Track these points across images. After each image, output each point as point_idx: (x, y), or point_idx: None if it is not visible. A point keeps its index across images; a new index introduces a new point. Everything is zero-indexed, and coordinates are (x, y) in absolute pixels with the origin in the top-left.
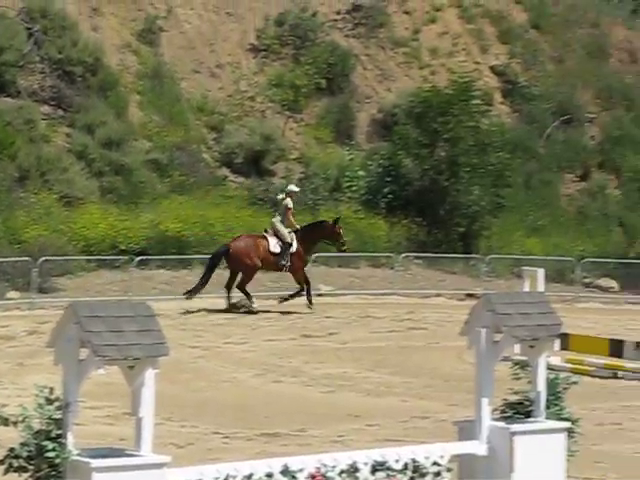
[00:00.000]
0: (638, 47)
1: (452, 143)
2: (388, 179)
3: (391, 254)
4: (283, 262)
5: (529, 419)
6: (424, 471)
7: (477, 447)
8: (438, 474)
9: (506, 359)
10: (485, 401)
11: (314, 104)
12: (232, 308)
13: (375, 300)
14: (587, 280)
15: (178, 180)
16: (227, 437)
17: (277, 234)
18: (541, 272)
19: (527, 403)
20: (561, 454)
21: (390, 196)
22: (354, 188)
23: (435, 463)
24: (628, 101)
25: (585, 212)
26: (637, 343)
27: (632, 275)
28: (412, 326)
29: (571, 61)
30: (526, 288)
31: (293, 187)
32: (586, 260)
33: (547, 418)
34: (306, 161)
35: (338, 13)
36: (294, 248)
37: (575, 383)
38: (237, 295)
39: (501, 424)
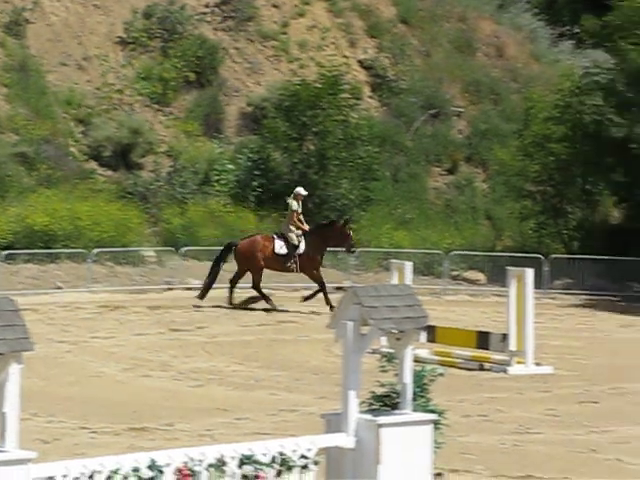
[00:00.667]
0: (505, 42)
1: (321, 137)
2: (257, 172)
3: None
4: (288, 264)
5: (396, 411)
6: (291, 464)
7: (344, 440)
8: (305, 467)
9: (375, 351)
10: (352, 394)
11: (183, 97)
12: (233, 303)
13: (245, 293)
14: (455, 273)
15: (45, 174)
16: (94, 432)
17: (285, 236)
18: (409, 265)
19: (394, 395)
20: (428, 446)
21: (259, 189)
22: (223, 182)
23: (303, 456)
24: (495, 95)
25: (453, 205)
26: (503, 335)
27: (499, 268)
28: (282, 319)
29: (439, 55)
30: (394, 281)
31: (301, 190)
32: (454, 253)
33: (414, 410)
34: (175, 154)
35: (207, 6)
36: (301, 250)
37: (441, 375)
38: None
39: (368, 416)
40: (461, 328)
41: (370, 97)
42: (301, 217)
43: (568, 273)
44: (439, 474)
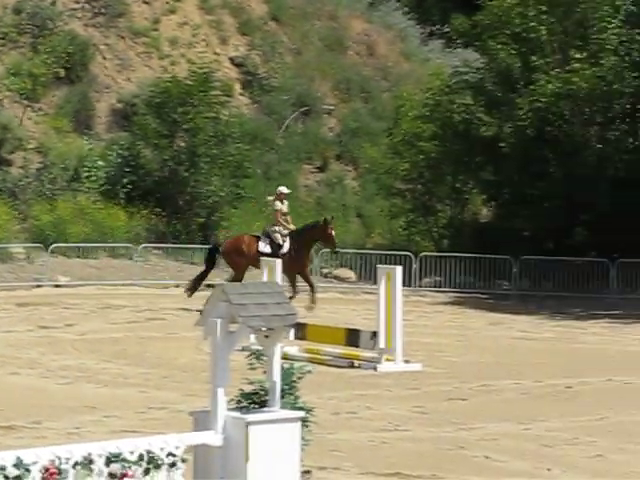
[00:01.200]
0: (375, 40)
1: (192, 134)
2: (127, 169)
3: (130, 245)
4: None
5: (264, 409)
6: (159, 462)
7: (212, 437)
8: (173, 465)
9: (245, 349)
10: (220, 391)
11: (53, 93)
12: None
13: (114, 291)
14: (325, 270)
15: None
16: None
17: (270, 236)
18: (278, 262)
19: (262, 393)
20: (296, 443)
21: (129, 186)
22: (93, 178)
23: (170, 454)
24: (365, 93)
25: (323, 203)
26: (373, 333)
27: (369, 265)
28: (151, 317)
29: (310, 53)
30: (264, 278)
31: (283, 189)
32: (324, 251)
33: (282, 408)
34: (44, 151)
35: (77, 2)
36: (285, 249)
37: (309, 372)
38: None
39: (236, 414)
40: (331, 326)
41: (241, 94)
42: (288, 217)
43: (437, 271)
44: (307, 471)
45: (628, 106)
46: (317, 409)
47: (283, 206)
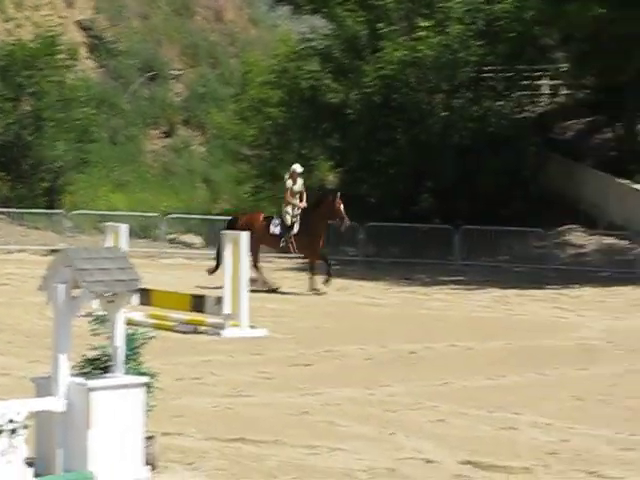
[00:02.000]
0: (223, 5)
1: (37, 97)
2: None
3: None
4: (281, 244)
5: (107, 375)
6: (0, 428)
7: (54, 403)
8: (14, 431)
9: (87, 314)
10: (62, 357)
11: None
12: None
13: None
14: (171, 236)
15: None
16: None
17: (281, 217)
18: (124, 228)
19: (105, 358)
20: (139, 409)
21: None
22: None
23: (11, 420)
24: (213, 59)
25: (170, 168)
26: (218, 298)
27: (215, 231)
28: None
29: (157, 18)
30: (109, 244)
31: (296, 167)
32: (171, 216)
33: (125, 373)
34: None
35: None
36: (296, 229)
37: (153, 338)
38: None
39: (79, 380)
40: (176, 291)
41: (87, 58)
42: (303, 195)
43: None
44: (150, 437)
45: (473, 74)
46: (161, 375)
47: (295, 185)
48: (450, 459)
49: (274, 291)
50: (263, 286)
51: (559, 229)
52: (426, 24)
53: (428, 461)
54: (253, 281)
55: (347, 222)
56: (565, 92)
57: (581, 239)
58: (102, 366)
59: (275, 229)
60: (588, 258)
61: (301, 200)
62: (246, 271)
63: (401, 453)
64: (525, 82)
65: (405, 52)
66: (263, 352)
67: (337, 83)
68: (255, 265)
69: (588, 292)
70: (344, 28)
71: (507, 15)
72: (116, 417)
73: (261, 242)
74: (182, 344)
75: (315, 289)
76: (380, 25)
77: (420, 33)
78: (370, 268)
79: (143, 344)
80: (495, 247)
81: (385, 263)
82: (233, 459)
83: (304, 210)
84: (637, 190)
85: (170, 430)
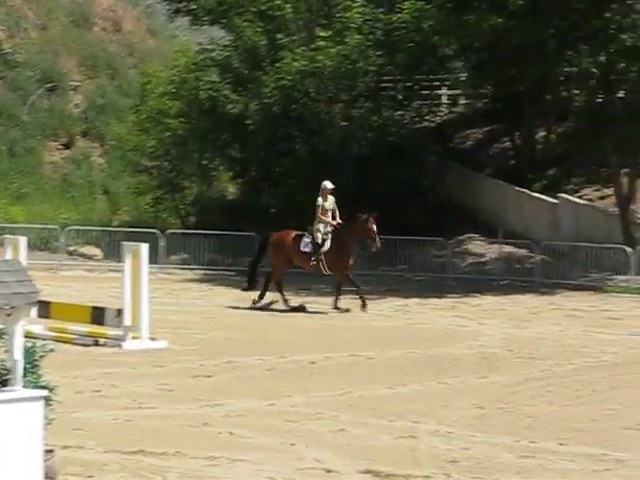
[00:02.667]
0: (122, 16)
1: None
2: None
3: None
4: (312, 263)
5: (5, 388)
6: None
7: None
8: None
9: None
10: None
11: None
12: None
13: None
14: (71, 248)
15: None
16: None
17: (312, 234)
18: (23, 240)
19: (4, 372)
20: (38, 422)
21: None
22: None
23: None
24: (112, 70)
25: (70, 180)
26: (118, 310)
27: (115, 243)
28: None
29: (55, 29)
30: (8, 256)
31: (327, 184)
32: (70, 228)
33: (24, 387)
34: None
35: None
36: (326, 247)
37: (52, 351)
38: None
39: None
40: (76, 304)
41: None
42: (336, 213)
43: (185, 248)
44: (50, 450)
45: (372, 84)
46: (61, 388)
47: (326, 202)
48: (350, 468)
49: (302, 310)
50: (284, 305)
51: (459, 238)
52: (325, 34)
53: (328, 471)
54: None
55: (378, 244)
56: (464, 102)
57: (481, 248)
58: (0, 380)
59: (306, 247)
60: (488, 267)
61: (334, 218)
62: (146, 283)
63: (302, 463)
64: (424, 92)
65: (304, 62)
66: (164, 364)
67: (236, 94)
68: (278, 284)
69: (488, 300)
70: (243, 39)
71: (406, 25)
72: (15, 431)
73: (290, 260)
74: (82, 357)
75: (338, 308)
76: (279, 36)
77: (319, 43)
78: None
79: (42, 357)
80: (395, 256)
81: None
82: (134, 471)
83: (337, 229)
84: (535, 199)
85: (70, 443)
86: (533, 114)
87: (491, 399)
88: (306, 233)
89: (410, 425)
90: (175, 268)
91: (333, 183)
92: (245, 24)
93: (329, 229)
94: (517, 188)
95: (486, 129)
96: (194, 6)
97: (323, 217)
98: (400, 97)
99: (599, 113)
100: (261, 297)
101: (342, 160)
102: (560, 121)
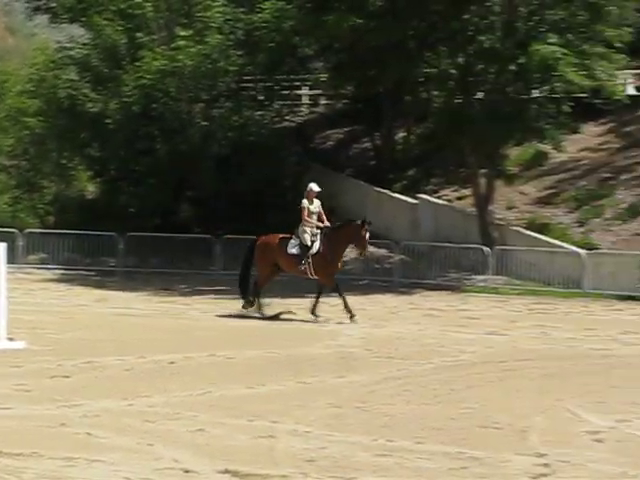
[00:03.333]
0: None
1: None
2: None
3: None
4: (302, 267)
5: None
6: None
7: None
8: None
9: None
10: None
11: None
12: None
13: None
14: None
15: None
16: None
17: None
18: None
19: None
20: None
21: None
22: None
23: None
24: None
25: None
26: None
27: None
28: None
29: None
30: None
31: (313, 186)
32: None
33: None
34: None
35: None
36: (315, 250)
37: None
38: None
39: None
40: None
41: None
42: (322, 216)
43: (43, 248)
44: None
45: (233, 84)
46: None
47: (311, 205)
48: (209, 468)
49: (276, 317)
50: (258, 312)
51: None
52: (185, 34)
53: (187, 471)
54: (247, 304)
55: (366, 253)
56: (324, 102)
57: None
58: None
59: (293, 249)
60: (347, 267)
61: (321, 221)
62: (4, 283)
63: (160, 463)
64: (285, 92)
65: (164, 61)
66: (21, 364)
67: (96, 92)
68: (259, 286)
69: (348, 300)
70: (103, 37)
71: (266, 25)
72: None
73: (276, 264)
74: None
75: (316, 315)
76: (139, 34)
77: (179, 42)
78: (130, 279)
79: None
80: None
81: (145, 273)
82: None
83: (327, 232)
84: (395, 199)
85: None
86: (393, 115)
87: (349, 398)
88: (293, 236)
89: (268, 425)
90: (33, 268)
91: (194, 183)
92: (105, 22)
93: (317, 231)
94: (377, 188)
95: (346, 129)
96: (53, 4)
97: (309, 220)
98: (261, 97)
99: (458, 114)
100: (251, 304)
101: (202, 160)
102: (419, 122)
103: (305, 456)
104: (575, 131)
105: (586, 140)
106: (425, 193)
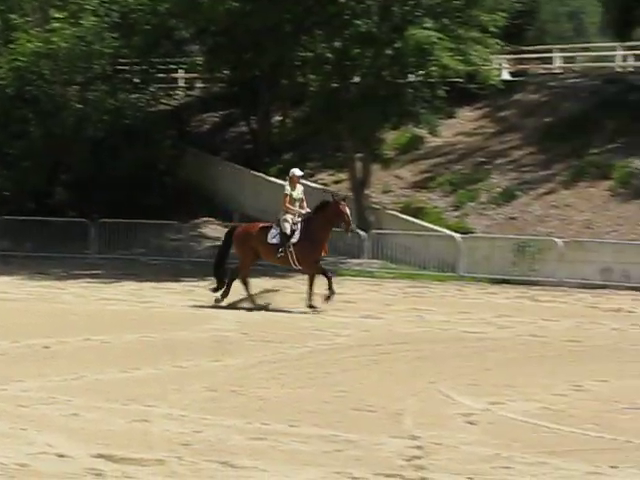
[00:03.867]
0: None
1: None
2: None
3: None
4: (278, 255)
5: None
6: None
7: None
8: None
9: None
10: None
11: None
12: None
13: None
14: None
15: None
16: None
17: (280, 225)
18: None
19: None
20: None
21: None
22: None
23: None
24: None
25: None
26: None
27: None
28: None
29: None
30: None
31: (295, 171)
32: None
33: None
34: None
35: None
36: (295, 239)
37: None
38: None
39: None
40: None
41: None
42: (303, 203)
43: None
44: None
45: (108, 67)
46: None
47: (294, 191)
48: (83, 452)
49: (264, 308)
50: (252, 304)
51: (195, 222)
52: (60, 16)
53: (60, 455)
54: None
55: (353, 228)
56: (201, 85)
57: (217, 232)
58: None
59: (273, 239)
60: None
61: (303, 208)
62: None
63: (33, 448)
64: (161, 75)
65: (39, 44)
66: None
67: None
68: (244, 280)
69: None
70: None
71: (142, 7)
72: None
73: (257, 253)
74: None
75: (313, 306)
76: (13, 16)
77: (54, 25)
78: (5, 263)
79: None
80: (132, 240)
81: (20, 257)
82: None
83: (306, 218)
84: (272, 183)
85: None
86: (269, 99)
87: (224, 382)
88: (273, 225)
89: (143, 409)
90: None
91: (69, 166)
92: None
93: (298, 219)
94: (254, 172)
95: (223, 113)
96: None
97: (291, 207)
98: (136, 80)
99: (334, 98)
100: (225, 295)
101: (77, 143)
102: (296, 106)
103: (180, 440)
104: (450, 116)
105: (461, 125)
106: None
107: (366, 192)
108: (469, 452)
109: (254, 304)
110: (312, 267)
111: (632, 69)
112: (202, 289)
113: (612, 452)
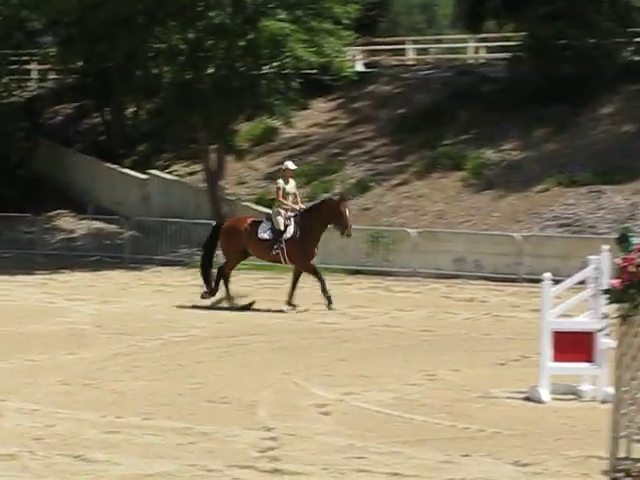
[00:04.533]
0: None
1: None
2: None
3: None
4: (274, 252)
5: None
6: None
7: None
8: None
9: None
10: None
11: None
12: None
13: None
14: None
15: None
16: None
17: (271, 219)
18: None
19: None
20: None
21: None
22: None
23: None
24: None
25: None
26: None
27: None
28: None
29: None
30: None
31: (289, 164)
32: None
33: None
34: None
35: None
36: (289, 234)
37: None
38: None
39: None
40: None
41: None
42: (297, 197)
43: None
44: None
45: None
46: None
47: (287, 185)
48: None
49: (247, 308)
50: (228, 303)
51: (49, 214)
52: None
53: None
54: (208, 293)
55: (350, 231)
56: (54, 77)
57: (71, 224)
58: None
59: (264, 234)
60: (78, 243)
61: (295, 202)
62: None
63: None
64: (13, 66)
65: None
66: None
67: None
68: (226, 275)
69: (78, 277)
70: None
71: None
72: None
73: (246, 249)
74: None
75: (293, 305)
76: None
77: None
78: None
79: None
80: None
81: None
82: None
83: (301, 213)
84: (126, 175)
85: None
86: (123, 90)
87: (78, 375)
88: (264, 219)
89: None
90: None
91: None
92: None
93: (290, 214)
94: (107, 164)
95: (76, 104)
96: None
97: (284, 201)
98: None
99: (188, 89)
100: (212, 293)
101: None
102: (150, 97)
103: (32, 434)
104: (305, 107)
105: (315, 116)
106: (156, 168)
107: (220, 183)
108: (323, 442)
109: (232, 303)
110: (305, 266)
111: (484, 61)
112: (55, 282)
113: (464, 441)
